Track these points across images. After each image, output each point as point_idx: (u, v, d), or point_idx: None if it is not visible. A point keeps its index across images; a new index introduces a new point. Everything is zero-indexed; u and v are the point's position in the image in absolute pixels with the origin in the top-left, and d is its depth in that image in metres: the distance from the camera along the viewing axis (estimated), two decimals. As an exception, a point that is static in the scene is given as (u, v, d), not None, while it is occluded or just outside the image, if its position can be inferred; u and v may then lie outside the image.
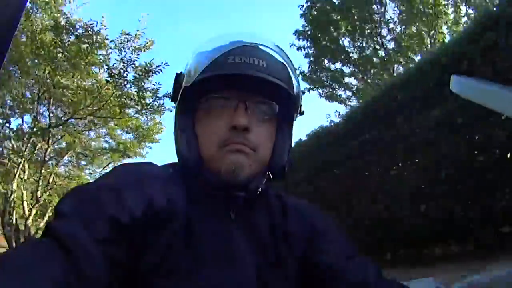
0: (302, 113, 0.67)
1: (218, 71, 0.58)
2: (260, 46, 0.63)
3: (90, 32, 7.41)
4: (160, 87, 8.28)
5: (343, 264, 0.61)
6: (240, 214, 0.61)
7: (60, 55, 7.44)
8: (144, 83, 8.07)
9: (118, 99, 8.26)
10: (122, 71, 7.64)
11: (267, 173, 0.64)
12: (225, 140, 0.58)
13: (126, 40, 7.71)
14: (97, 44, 7.53)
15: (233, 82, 0.59)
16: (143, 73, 7.86)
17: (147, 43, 7.98)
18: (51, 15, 7.36)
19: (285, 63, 0.64)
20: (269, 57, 0.62)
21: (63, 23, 7.34)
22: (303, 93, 0.68)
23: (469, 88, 0.49)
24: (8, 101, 9.05)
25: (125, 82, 7.99)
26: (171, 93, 0.66)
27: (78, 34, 7.38)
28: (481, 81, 0.47)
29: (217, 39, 0.64)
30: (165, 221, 0.55)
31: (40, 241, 0.47)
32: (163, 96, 8.31)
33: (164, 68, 7.94)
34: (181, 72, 0.65)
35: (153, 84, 8.24)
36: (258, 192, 0.63)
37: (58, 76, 7.73)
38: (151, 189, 0.56)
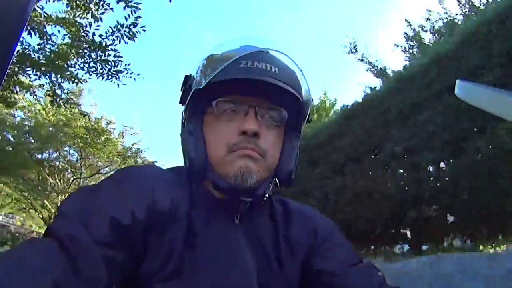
0: (309, 121, 0.67)
1: (231, 75, 0.57)
2: (271, 51, 0.62)
3: (106, 129, 13.52)
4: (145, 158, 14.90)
5: (346, 270, 0.60)
6: (244, 219, 0.61)
7: (89, 140, 13.37)
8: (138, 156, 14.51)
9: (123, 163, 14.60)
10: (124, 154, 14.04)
11: (274, 179, 0.64)
12: (234, 144, 0.58)
13: (126, 129, 13.89)
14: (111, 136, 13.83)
15: (244, 87, 0.59)
16: (136, 153, 14.44)
17: (138, 131, 14.52)
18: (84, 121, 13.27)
19: (295, 69, 0.64)
20: (281, 62, 0.62)
21: (89, 125, 13.30)
22: (313, 100, 0.68)
23: (473, 93, 0.48)
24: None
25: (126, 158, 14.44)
26: (180, 96, 0.65)
27: (100, 132, 13.35)
28: (485, 86, 0.46)
29: (227, 43, 0.64)
30: (168, 224, 0.55)
31: (41, 241, 0.47)
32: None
33: (146, 150, 14.58)
34: (190, 74, 0.65)
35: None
36: (265, 198, 0.63)
37: (88, 148, 13.72)
38: (154, 191, 0.56)
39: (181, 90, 0.65)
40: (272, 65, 0.59)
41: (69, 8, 5.26)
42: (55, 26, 5.47)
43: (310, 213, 0.71)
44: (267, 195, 0.62)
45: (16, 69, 5.33)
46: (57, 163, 14.31)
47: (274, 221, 0.65)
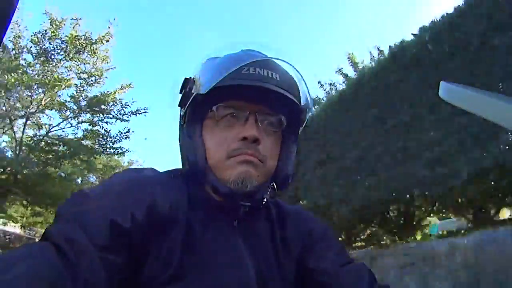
0: (306, 125, 0.68)
1: (233, 81, 0.58)
2: (272, 59, 0.63)
3: (119, 164, 18.31)
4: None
5: (337, 270, 0.61)
6: (243, 222, 0.62)
7: (107, 173, 18.15)
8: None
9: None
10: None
11: (272, 183, 0.65)
12: (234, 150, 0.59)
13: (132, 162, 18.64)
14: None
15: (245, 93, 0.59)
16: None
17: (141, 162, 19.22)
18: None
19: (296, 74, 0.65)
20: (281, 68, 0.63)
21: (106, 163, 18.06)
22: (311, 105, 0.68)
23: (457, 94, 0.48)
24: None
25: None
26: (180, 99, 0.65)
27: (114, 167, 18.10)
28: (469, 88, 0.46)
29: (228, 47, 0.65)
30: (167, 227, 0.55)
31: (38, 244, 0.45)
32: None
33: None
34: (190, 77, 0.64)
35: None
36: (263, 202, 0.63)
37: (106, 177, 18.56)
38: (153, 194, 0.56)
39: (180, 93, 0.65)
40: (273, 72, 0.60)
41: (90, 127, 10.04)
42: (83, 131, 10.12)
43: (303, 214, 0.73)
44: (265, 199, 0.63)
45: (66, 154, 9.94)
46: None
47: (270, 222, 0.67)
